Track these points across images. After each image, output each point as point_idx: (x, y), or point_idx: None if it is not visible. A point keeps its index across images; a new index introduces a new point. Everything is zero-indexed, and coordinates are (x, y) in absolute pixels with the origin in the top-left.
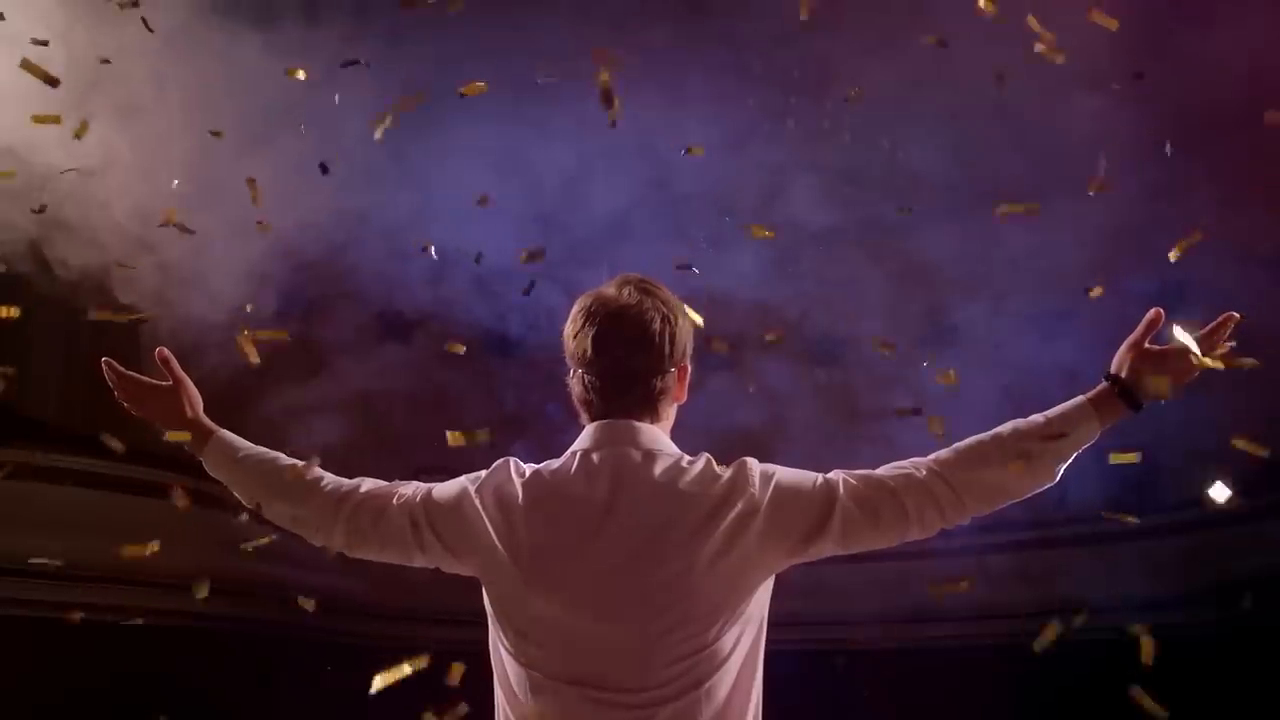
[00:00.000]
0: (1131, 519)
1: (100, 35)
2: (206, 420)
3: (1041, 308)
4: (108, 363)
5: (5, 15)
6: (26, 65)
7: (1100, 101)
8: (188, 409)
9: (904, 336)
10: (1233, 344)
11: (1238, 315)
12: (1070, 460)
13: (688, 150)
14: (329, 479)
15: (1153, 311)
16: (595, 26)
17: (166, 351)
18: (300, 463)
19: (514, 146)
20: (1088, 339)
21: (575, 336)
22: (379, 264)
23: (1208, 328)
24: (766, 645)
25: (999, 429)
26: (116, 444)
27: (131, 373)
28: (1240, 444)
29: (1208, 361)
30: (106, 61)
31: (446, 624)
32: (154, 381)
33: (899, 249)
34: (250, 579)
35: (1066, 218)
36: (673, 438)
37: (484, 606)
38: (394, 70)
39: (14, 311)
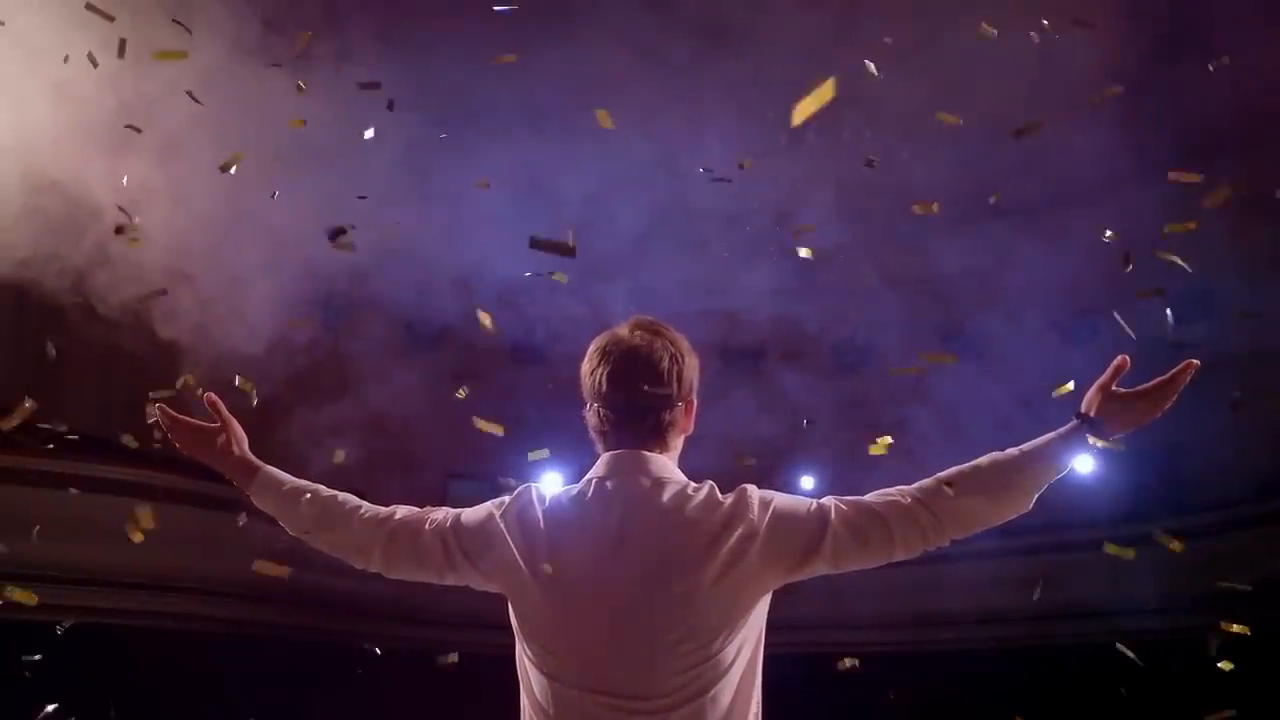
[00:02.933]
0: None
1: (143, 80)
2: (253, 457)
3: (1054, 320)
4: (161, 408)
5: (51, 65)
6: None
7: (1110, 116)
8: (234, 448)
9: (921, 348)
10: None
11: (1197, 363)
12: (1043, 489)
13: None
14: (367, 507)
15: (1119, 358)
16: (616, 48)
17: (214, 396)
18: (340, 493)
19: (537, 166)
20: (1101, 350)
21: (591, 373)
22: (408, 281)
23: (1169, 374)
24: (784, 649)
25: (978, 460)
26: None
27: (183, 417)
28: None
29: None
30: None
31: (470, 627)
32: (203, 424)
33: (915, 263)
34: (288, 585)
35: (1078, 231)
36: (696, 448)
37: (510, 620)
38: (420, 98)
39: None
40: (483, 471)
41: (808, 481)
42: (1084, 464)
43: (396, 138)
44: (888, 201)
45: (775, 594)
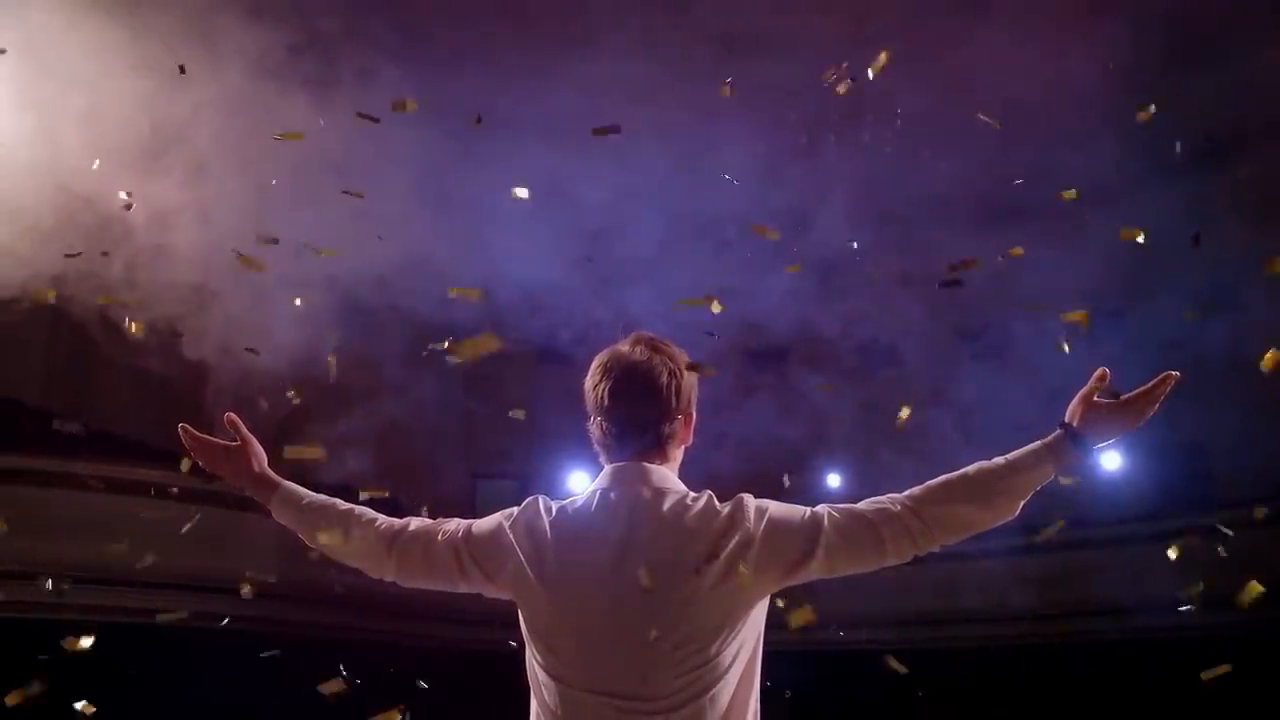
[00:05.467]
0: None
1: (174, 102)
2: (272, 474)
3: (1073, 321)
4: (184, 428)
5: (85, 88)
6: None
7: (1128, 120)
8: (255, 464)
9: (941, 348)
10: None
11: (1177, 374)
12: (1029, 497)
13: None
14: (381, 519)
15: (1099, 370)
16: (634, 56)
17: (234, 416)
18: (356, 507)
19: (558, 173)
20: (1121, 351)
21: (594, 389)
22: (432, 289)
23: (1147, 385)
24: (809, 647)
25: (966, 469)
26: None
27: (205, 436)
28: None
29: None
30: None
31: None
32: (224, 442)
33: (934, 264)
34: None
35: (1096, 232)
36: (718, 451)
37: (520, 626)
38: (442, 111)
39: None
40: (509, 471)
41: (834, 480)
42: (1110, 461)
43: (417, 148)
44: (907, 203)
45: (791, 591)
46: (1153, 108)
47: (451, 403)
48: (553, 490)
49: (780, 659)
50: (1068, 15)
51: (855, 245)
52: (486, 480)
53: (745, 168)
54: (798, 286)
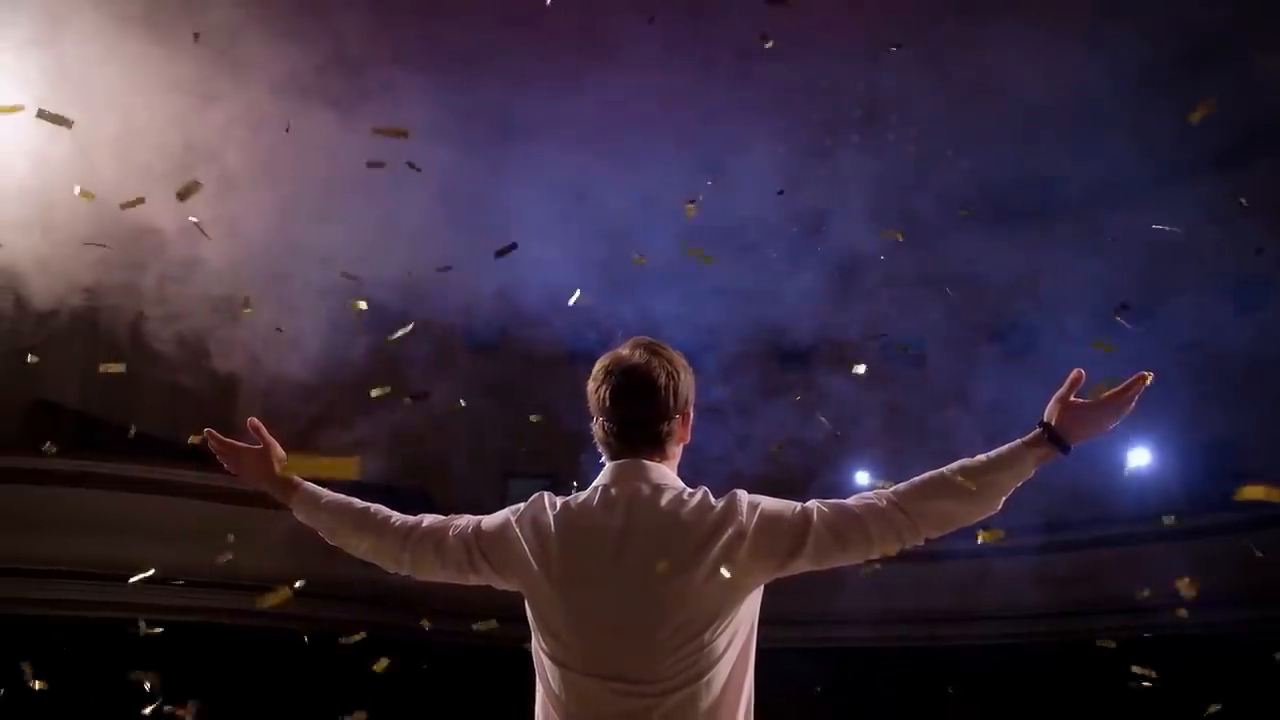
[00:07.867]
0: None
1: (204, 120)
2: (292, 475)
3: (1095, 321)
4: (209, 432)
5: (119, 107)
6: None
7: (1154, 121)
8: (276, 467)
9: (965, 348)
10: None
11: (1149, 375)
12: (1010, 492)
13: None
14: (396, 517)
15: (1074, 372)
16: (653, 63)
17: (256, 420)
18: (372, 505)
19: (582, 178)
20: (1140, 350)
21: (596, 391)
22: (457, 291)
23: (1121, 385)
24: (834, 643)
25: (950, 465)
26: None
27: (229, 440)
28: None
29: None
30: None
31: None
32: (247, 446)
33: (958, 265)
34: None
35: (1119, 231)
36: (742, 453)
37: (526, 616)
38: (466, 123)
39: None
40: (540, 469)
41: (862, 477)
42: (1139, 458)
43: (442, 158)
44: (930, 203)
45: (820, 589)
46: (1202, 107)
47: (483, 403)
48: (583, 486)
49: (804, 656)
50: (1085, 17)
51: (881, 253)
52: (517, 479)
53: (766, 170)
54: (820, 288)
